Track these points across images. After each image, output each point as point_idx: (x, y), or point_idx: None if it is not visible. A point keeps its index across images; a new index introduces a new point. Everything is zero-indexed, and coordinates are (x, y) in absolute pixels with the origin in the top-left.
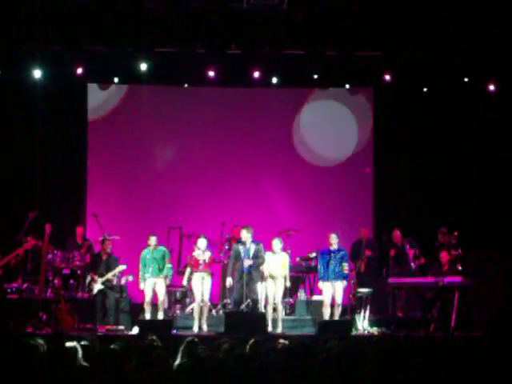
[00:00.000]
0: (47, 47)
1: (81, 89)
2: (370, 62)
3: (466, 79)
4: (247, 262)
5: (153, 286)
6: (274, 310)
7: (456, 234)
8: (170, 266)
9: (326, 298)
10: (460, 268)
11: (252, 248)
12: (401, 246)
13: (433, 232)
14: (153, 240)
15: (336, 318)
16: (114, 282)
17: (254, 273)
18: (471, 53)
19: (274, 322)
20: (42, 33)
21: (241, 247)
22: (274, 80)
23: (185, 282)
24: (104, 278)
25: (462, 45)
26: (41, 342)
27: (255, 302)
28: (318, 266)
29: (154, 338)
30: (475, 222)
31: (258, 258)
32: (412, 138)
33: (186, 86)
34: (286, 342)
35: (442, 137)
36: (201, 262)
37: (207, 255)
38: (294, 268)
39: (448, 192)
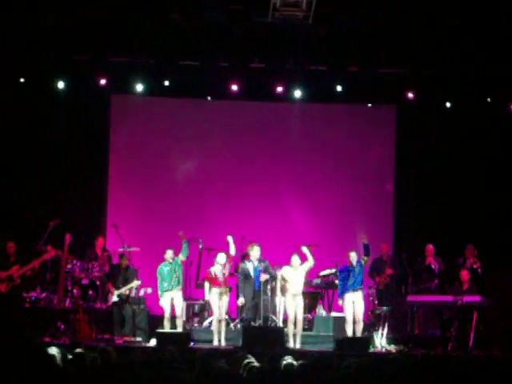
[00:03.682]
0: (71, 57)
1: (104, 100)
2: (393, 79)
3: (488, 99)
4: (264, 277)
5: (170, 300)
6: (295, 324)
7: (476, 251)
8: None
9: (347, 314)
10: (478, 285)
11: (261, 265)
12: (428, 263)
13: (454, 250)
14: (169, 254)
15: (358, 334)
16: (133, 294)
17: (269, 288)
18: (494, 71)
19: (294, 337)
20: (66, 42)
21: (249, 265)
22: (297, 95)
23: (207, 296)
24: (118, 292)
25: (486, 62)
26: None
27: (267, 318)
28: (338, 284)
29: (173, 349)
30: (498, 241)
31: (269, 272)
32: (434, 156)
33: (208, 99)
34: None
35: (465, 155)
36: (220, 277)
37: (227, 269)
38: (311, 284)
39: (470, 210)
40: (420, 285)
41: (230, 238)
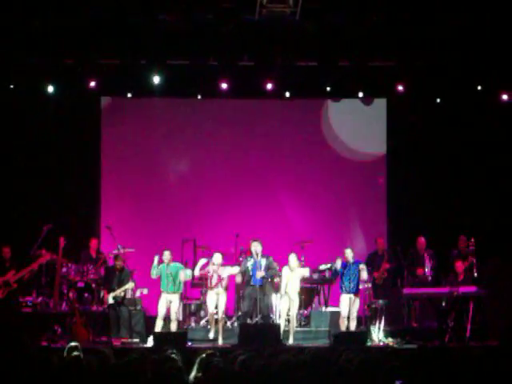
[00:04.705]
0: (60, 60)
1: (94, 102)
2: (383, 73)
3: (479, 88)
4: (260, 274)
5: (167, 303)
6: (288, 322)
7: (472, 240)
8: (188, 273)
9: (343, 310)
10: (475, 275)
11: (263, 261)
12: (421, 254)
13: (447, 241)
14: (166, 255)
15: (352, 329)
16: (129, 296)
17: (267, 285)
18: (484, 63)
19: (286, 333)
20: (54, 46)
21: (249, 261)
22: (287, 91)
23: (196, 272)
24: (114, 294)
25: (475, 55)
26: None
27: (266, 315)
28: (340, 280)
29: (171, 350)
30: (491, 231)
31: (271, 270)
32: (425, 148)
33: (198, 98)
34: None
35: (456, 146)
36: (214, 279)
37: (225, 272)
38: (307, 280)
39: (462, 201)
40: (415, 278)
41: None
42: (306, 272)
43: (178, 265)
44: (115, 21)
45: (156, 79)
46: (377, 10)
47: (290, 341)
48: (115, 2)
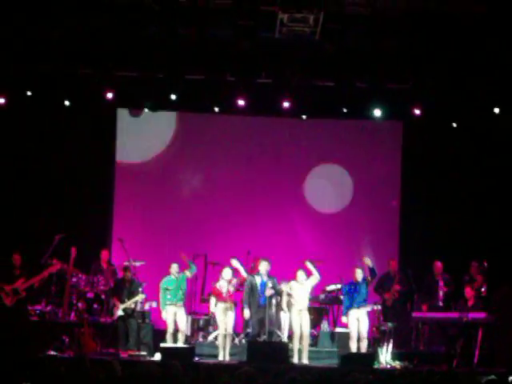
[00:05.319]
0: (77, 71)
1: (110, 114)
2: (399, 96)
3: (496, 111)
4: (269, 292)
5: (173, 315)
6: (300, 340)
7: (485, 265)
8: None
9: (352, 330)
10: (485, 301)
11: (269, 282)
12: (436, 280)
13: (460, 266)
14: (174, 268)
15: (363, 351)
16: (138, 308)
17: (274, 303)
18: (501, 87)
19: (300, 352)
20: (72, 57)
21: (257, 279)
22: (303, 112)
23: (212, 309)
24: (124, 305)
25: (492, 79)
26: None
27: (272, 333)
28: (343, 300)
29: (177, 364)
30: (505, 257)
31: (277, 289)
32: (440, 172)
33: (214, 113)
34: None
35: (471, 170)
36: (224, 293)
37: (232, 285)
38: (317, 299)
39: (477, 225)
40: (429, 301)
41: (235, 263)
42: (315, 279)
43: (183, 275)
44: (134, 33)
45: (173, 93)
46: (395, 32)
47: (305, 360)
48: (134, 14)
